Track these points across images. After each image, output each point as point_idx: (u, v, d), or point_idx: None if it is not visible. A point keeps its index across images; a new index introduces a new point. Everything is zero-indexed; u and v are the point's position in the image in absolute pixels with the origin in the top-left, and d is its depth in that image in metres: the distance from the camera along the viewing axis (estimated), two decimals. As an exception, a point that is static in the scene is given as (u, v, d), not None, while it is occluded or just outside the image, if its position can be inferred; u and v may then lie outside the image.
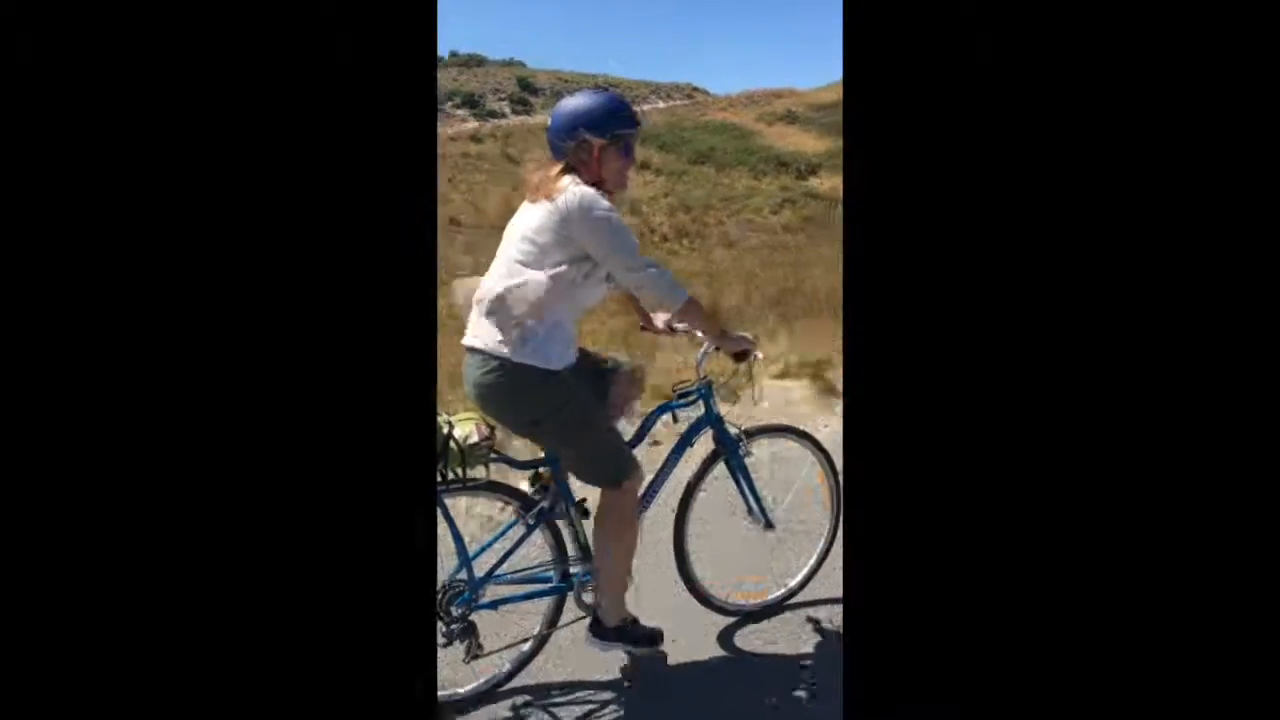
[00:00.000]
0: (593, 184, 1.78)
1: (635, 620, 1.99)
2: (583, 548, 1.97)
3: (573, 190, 1.73)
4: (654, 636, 1.99)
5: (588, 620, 1.97)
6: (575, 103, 1.81)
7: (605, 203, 1.74)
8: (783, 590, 2.32)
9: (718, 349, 2.08)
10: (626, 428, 2.01)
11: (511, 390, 1.75)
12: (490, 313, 1.78)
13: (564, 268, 1.74)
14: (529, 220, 1.79)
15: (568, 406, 1.78)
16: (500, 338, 1.75)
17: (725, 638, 2.18)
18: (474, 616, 1.84)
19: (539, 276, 1.74)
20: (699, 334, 2.05)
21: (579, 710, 1.88)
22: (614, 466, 1.85)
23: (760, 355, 2.02)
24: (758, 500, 2.20)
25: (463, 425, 1.79)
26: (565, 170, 1.79)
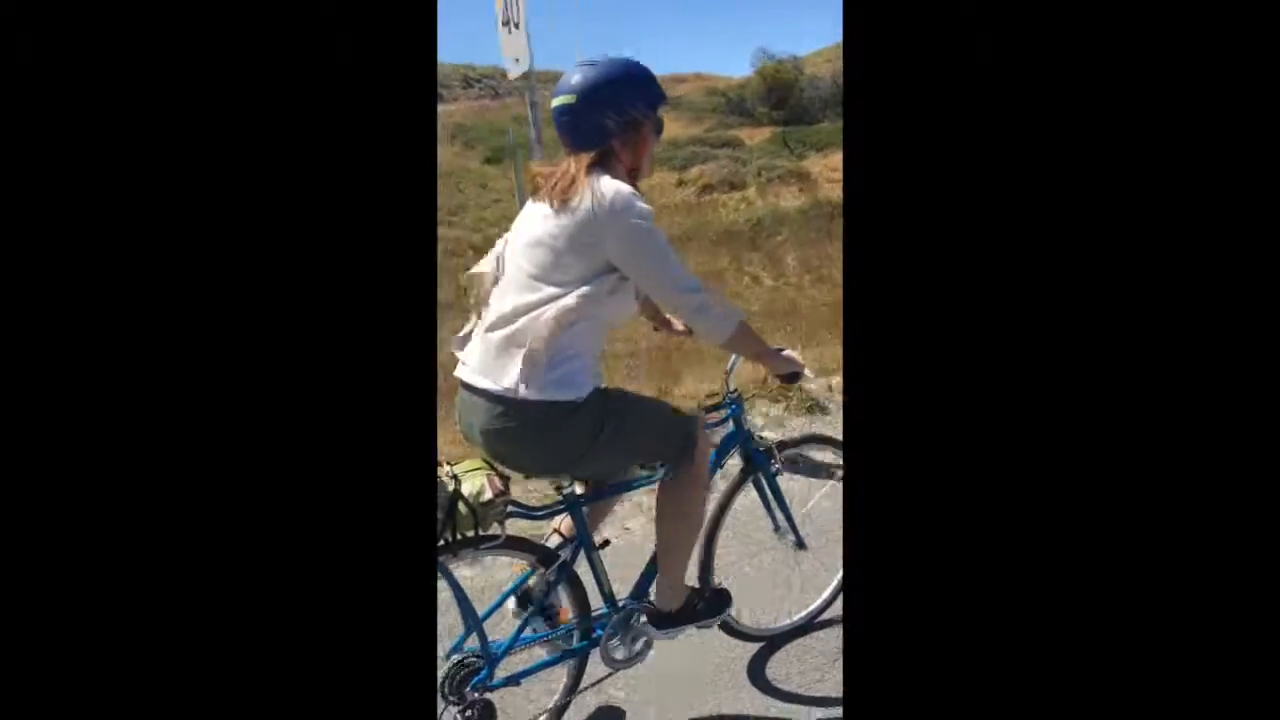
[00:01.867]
0: (630, 175, 1.44)
1: (696, 590, 1.76)
2: (608, 597, 1.70)
3: (604, 190, 1.38)
4: (720, 602, 1.77)
5: (636, 628, 1.72)
6: (609, 71, 1.43)
7: (644, 207, 1.40)
8: (811, 608, 2.12)
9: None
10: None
11: (534, 434, 1.43)
12: (500, 343, 1.43)
13: (590, 285, 1.41)
14: (543, 223, 1.44)
15: (610, 416, 1.48)
16: (514, 373, 1.41)
17: (755, 665, 1.97)
18: (491, 695, 1.55)
19: (560, 298, 1.40)
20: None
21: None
22: (683, 434, 1.59)
23: (811, 375, 1.75)
24: (790, 519, 1.97)
25: (471, 479, 1.46)
26: (598, 159, 1.43)
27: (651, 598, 1.73)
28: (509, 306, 1.44)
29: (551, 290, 1.41)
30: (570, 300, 1.40)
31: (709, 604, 1.76)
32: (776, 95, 23.84)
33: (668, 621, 1.72)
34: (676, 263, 1.44)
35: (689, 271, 1.47)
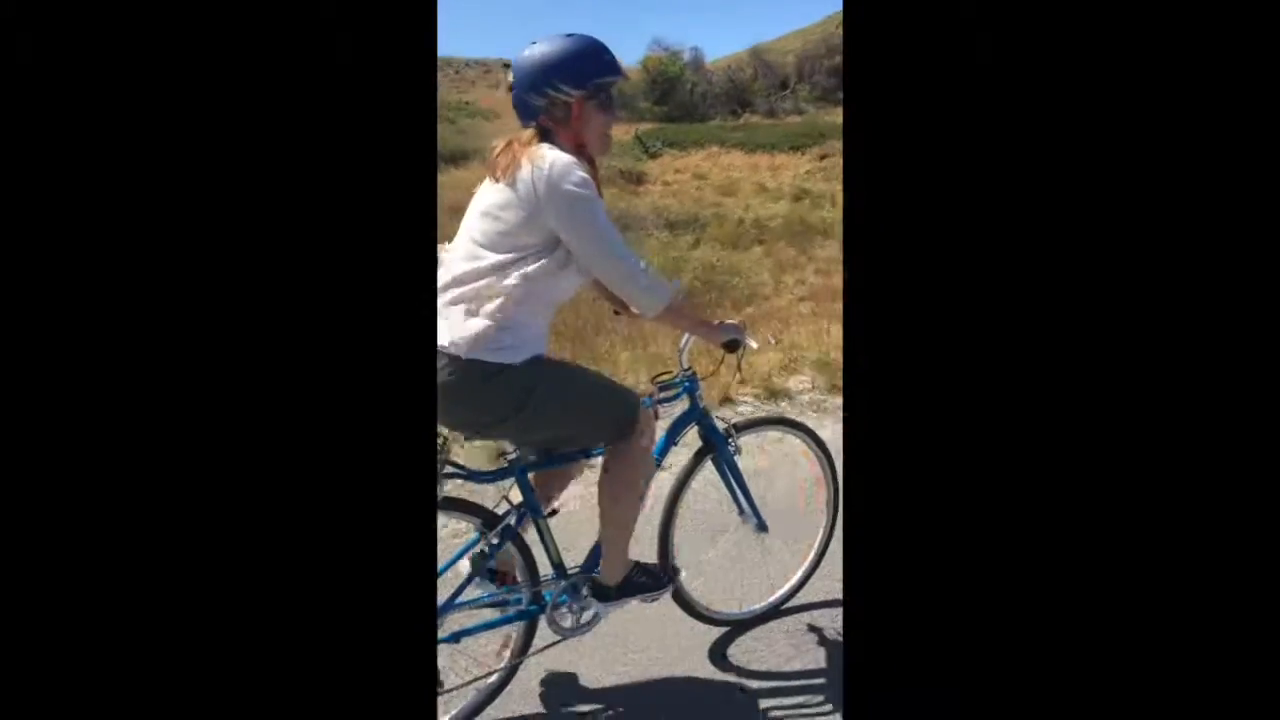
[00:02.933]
0: (574, 150, 1.51)
1: (637, 564, 1.79)
2: (556, 565, 1.75)
3: (542, 158, 1.45)
4: (661, 577, 1.80)
5: (583, 600, 1.76)
6: (543, 50, 1.51)
7: (582, 175, 1.46)
8: (776, 595, 2.12)
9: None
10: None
11: (471, 390, 1.49)
12: (445, 305, 1.51)
13: (530, 255, 1.48)
14: (492, 195, 1.51)
15: (540, 385, 1.53)
16: (459, 333, 1.48)
17: (717, 650, 1.98)
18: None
19: (504, 266, 1.47)
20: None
21: (556, 748, 1.68)
22: (620, 414, 1.62)
23: (754, 344, 1.78)
24: (749, 500, 1.99)
25: None
26: (538, 135, 1.51)
27: (599, 573, 1.77)
28: (456, 272, 1.51)
29: (495, 258, 1.47)
30: (518, 272, 1.46)
31: (652, 577, 1.79)
32: (660, 89, 22.40)
33: (609, 594, 1.75)
34: (614, 233, 1.49)
35: (626, 244, 1.53)
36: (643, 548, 1.95)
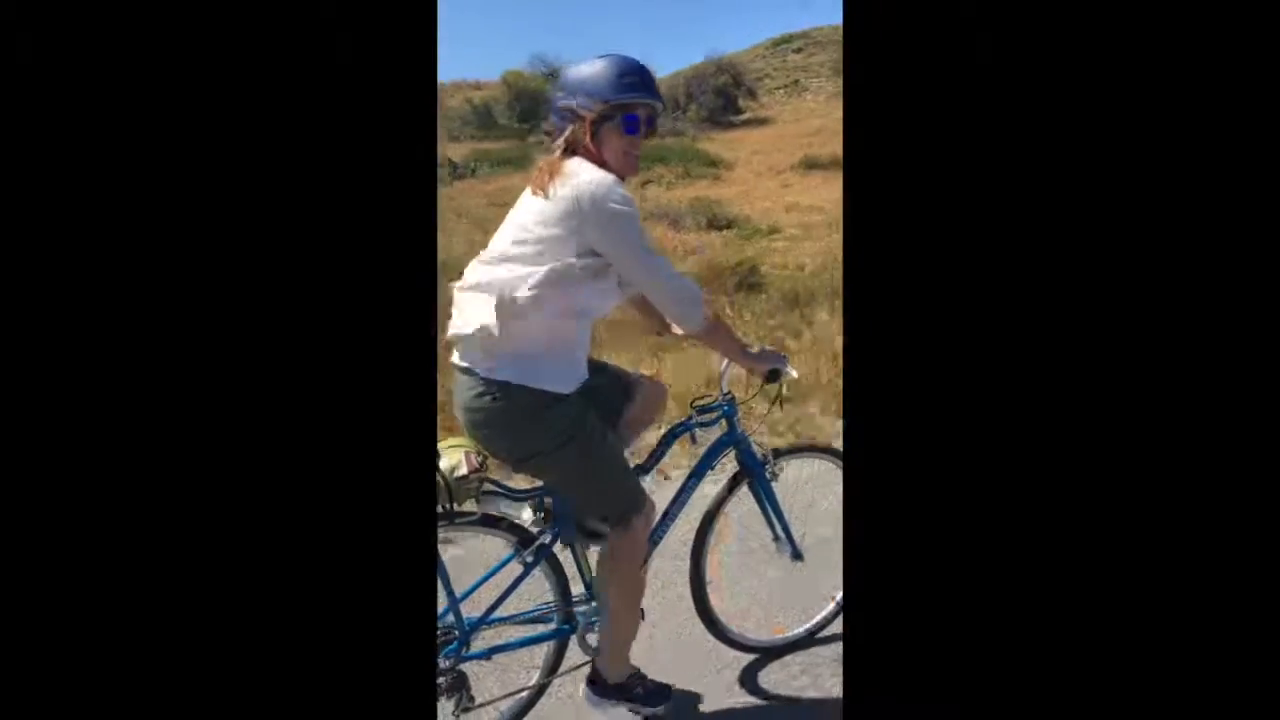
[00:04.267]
0: (603, 169, 1.52)
1: (639, 674, 1.77)
2: (589, 585, 1.75)
3: (584, 176, 1.46)
4: (660, 694, 1.76)
5: (586, 674, 1.75)
6: (577, 68, 1.53)
7: (623, 193, 1.46)
8: (810, 624, 2.09)
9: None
10: (629, 453, 1.78)
11: (507, 419, 1.51)
12: (479, 322, 1.52)
13: (570, 265, 1.47)
14: (529, 209, 1.52)
15: (574, 438, 1.53)
16: (494, 355, 1.50)
17: (747, 677, 1.96)
18: (465, 666, 1.63)
19: (538, 275, 1.47)
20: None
21: (582, 769, 1.68)
22: (625, 501, 1.62)
23: (795, 373, 1.77)
24: (785, 528, 1.97)
25: (450, 454, 1.56)
26: (567, 152, 1.52)
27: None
28: (487, 277, 1.50)
29: (538, 272, 1.46)
30: (555, 282, 1.46)
31: (648, 694, 1.75)
32: (522, 106, 21.18)
33: (603, 690, 1.73)
34: (654, 251, 1.50)
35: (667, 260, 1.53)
36: (678, 565, 1.94)
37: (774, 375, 1.70)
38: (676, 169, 14.33)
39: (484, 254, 1.57)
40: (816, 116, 19.98)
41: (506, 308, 1.48)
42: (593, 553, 1.74)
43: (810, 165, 14.33)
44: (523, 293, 1.48)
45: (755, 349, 1.70)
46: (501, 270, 1.51)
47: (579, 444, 1.53)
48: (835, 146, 14.30)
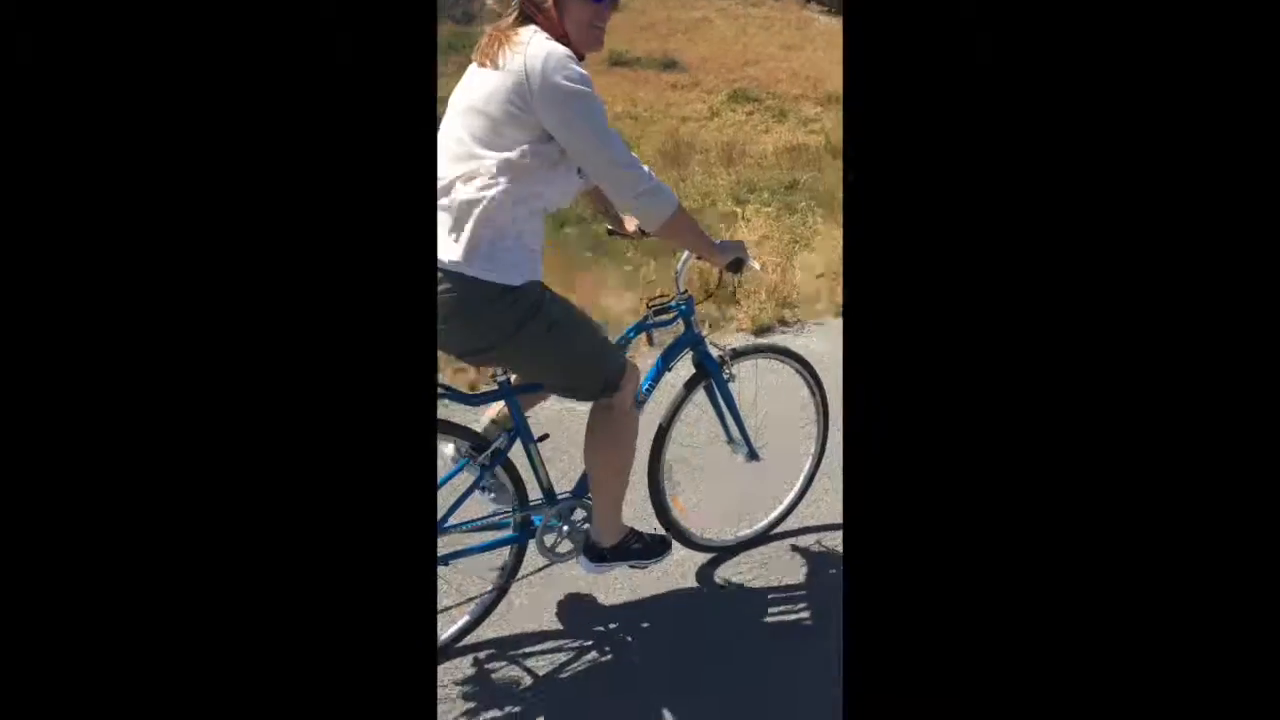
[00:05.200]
0: (561, 42, 1.39)
1: (634, 531, 1.77)
2: (546, 491, 1.73)
3: (535, 46, 1.34)
4: (660, 544, 1.78)
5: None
6: None
7: (578, 70, 1.35)
8: (765, 522, 2.13)
9: (701, 259, 1.78)
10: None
11: (461, 310, 1.43)
12: (440, 215, 1.43)
13: (523, 152, 1.38)
14: (478, 88, 1.40)
15: (533, 318, 1.47)
16: (453, 246, 1.41)
17: (704, 574, 1.99)
18: (422, 573, 1.59)
19: (496, 165, 1.38)
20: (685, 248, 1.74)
21: (545, 663, 1.69)
22: (603, 372, 1.57)
23: (757, 265, 1.72)
24: (741, 429, 1.97)
25: None
26: (519, 20, 1.39)
27: (590, 499, 1.74)
28: (446, 176, 1.42)
29: (488, 158, 1.38)
30: (508, 172, 1.38)
31: (646, 546, 1.76)
32: None
33: (603, 555, 1.72)
34: (614, 135, 1.40)
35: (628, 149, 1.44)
36: (635, 478, 1.94)
37: (737, 264, 1.65)
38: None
39: (442, 150, 1.46)
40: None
41: (458, 205, 1.40)
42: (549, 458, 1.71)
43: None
44: (473, 189, 1.39)
45: (717, 240, 1.64)
46: (450, 163, 1.42)
47: (538, 324, 1.47)
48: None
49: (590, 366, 1.57)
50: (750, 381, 2.00)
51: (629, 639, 1.78)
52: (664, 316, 1.84)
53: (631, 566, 1.79)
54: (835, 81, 8.27)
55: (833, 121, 7.05)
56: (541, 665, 1.69)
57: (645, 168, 1.44)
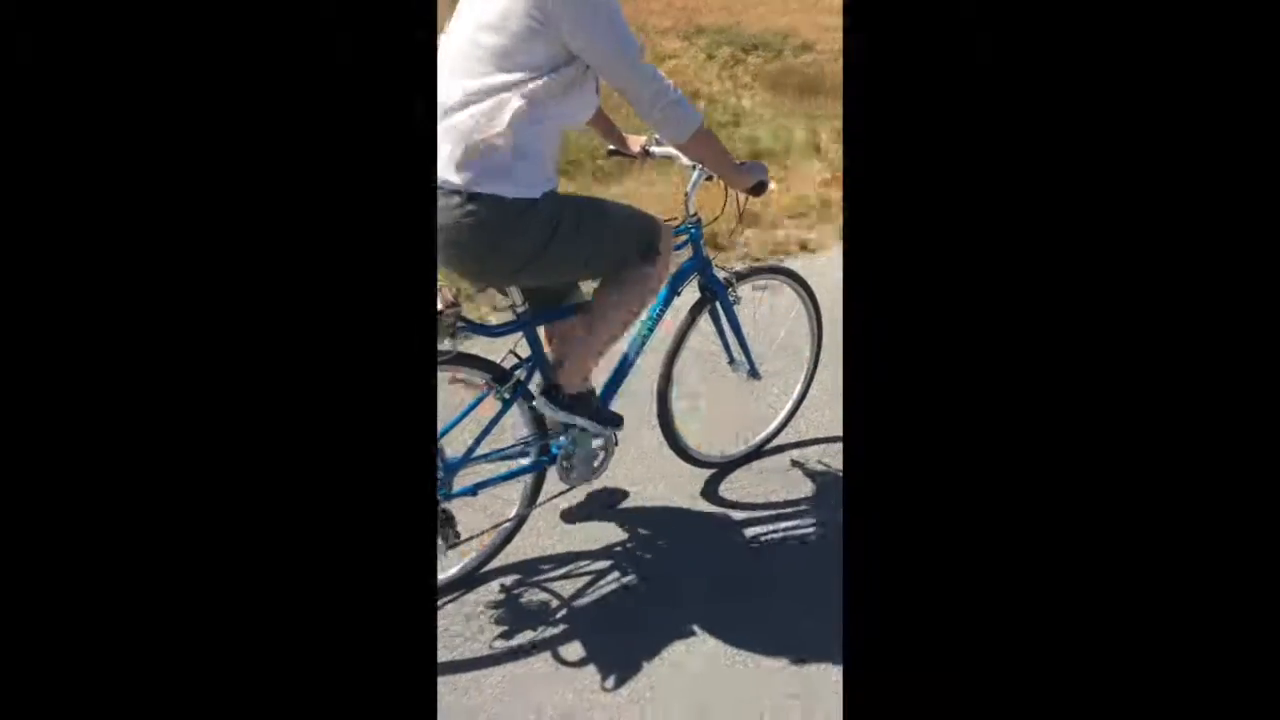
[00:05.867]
0: None
1: (597, 395, 1.76)
2: (564, 421, 1.73)
3: None
4: (614, 418, 1.76)
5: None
6: None
7: None
8: (762, 435, 2.20)
9: (711, 179, 1.75)
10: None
11: (488, 233, 1.39)
12: (453, 134, 1.36)
13: (547, 78, 1.33)
14: (486, 4, 1.34)
15: (564, 220, 1.45)
16: (460, 164, 1.36)
17: (710, 488, 2.06)
18: (449, 505, 1.61)
19: (513, 86, 1.33)
20: (703, 167, 1.70)
21: (570, 585, 1.75)
22: (641, 236, 1.57)
23: (774, 186, 1.71)
24: (745, 350, 2.00)
25: None
26: None
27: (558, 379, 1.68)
28: (459, 94, 1.36)
29: (504, 78, 1.33)
30: (525, 93, 1.34)
31: (601, 413, 1.74)
32: None
33: (560, 400, 1.66)
34: (636, 43, 1.36)
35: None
36: (648, 387, 1.96)
37: (760, 188, 1.64)
38: None
39: (445, 60, 1.38)
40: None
41: (474, 123, 1.34)
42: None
43: None
44: (489, 108, 1.34)
45: (743, 163, 1.62)
46: (461, 79, 1.35)
47: (568, 224, 1.46)
48: None
49: (628, 237, 1.56)
50: (751, 303, 2.02)
51: (644, 558, 1.84)
52: (675, 240, 1.82)
53: (582, 427, 1.72)
54: (711, 14, 7.67)
55: (696, 61, 6.48)
56: (564, 588, 1.74)
57: (669, 81, 1.40)
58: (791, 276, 2.06)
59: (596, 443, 1.79)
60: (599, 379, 1.77)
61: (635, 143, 1.87)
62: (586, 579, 1.77)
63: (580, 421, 1.70)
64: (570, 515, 1.93)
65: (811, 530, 1.94)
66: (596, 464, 1.81)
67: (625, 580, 1.77)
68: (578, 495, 1.96)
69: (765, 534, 1.93)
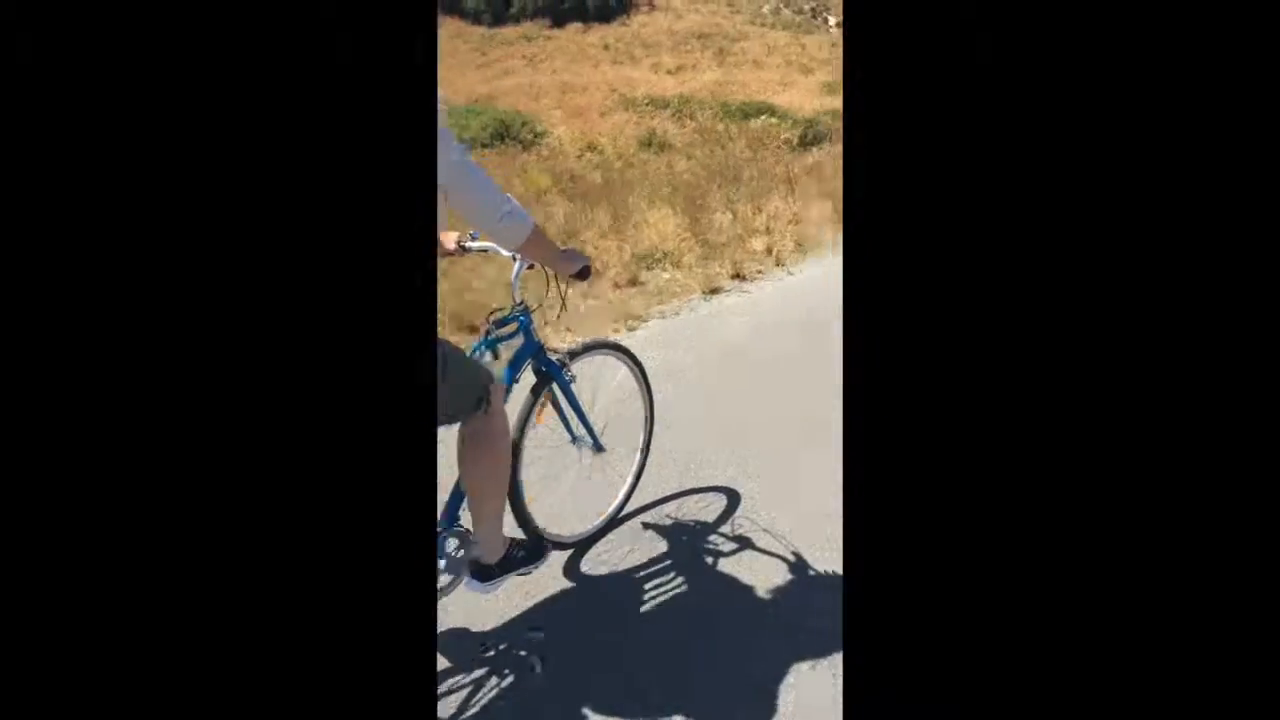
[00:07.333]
0: None
1: (514, 541, 1.79)
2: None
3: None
4: (537, 548, 1.82)
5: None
6: None
7: (458, 144, 1.41)
8: (610, 510, 2.23)
9: (533, 267, 1.82)
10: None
11: None
12: None
13: None
14: None
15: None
16: None
17: (571, 568, 2.05)
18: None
19: None
20: (529, 260, 1.77)
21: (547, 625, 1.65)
22: (476, 388, 1.58)
23: (600, 268, 1.80)
24: (586, 425, 2.05)
25: None
26: None
27: (462, 525, 1.73)
28: None
29: None
30: None
31: (529, 552, 1.80)
32: None
33: (491, 573, 1.74)
34: (472, 163, 1.45)
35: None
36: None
37: (585, 272, 1.72)
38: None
39: None
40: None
41: None
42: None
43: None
44: None
45: (565, 250, 1.70)
46: None
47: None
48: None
49: (465, 387, 1.56)
50: (587, 378, 2.09)
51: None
52: (505, 329, 1.85)
53: (519, 575, 1.81)
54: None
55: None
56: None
57: (503, 192, 1.47)
58: (618, 349, 2.16)
59: (452, 545, 1.75)
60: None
61: (450, 239, 1.90)
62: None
63: (510, 577, 1.75)
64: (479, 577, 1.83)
65: (683, 589, 2.00)
66: (461, 572, 1.75)
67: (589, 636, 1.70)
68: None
69: (647, 599, 1.95)
